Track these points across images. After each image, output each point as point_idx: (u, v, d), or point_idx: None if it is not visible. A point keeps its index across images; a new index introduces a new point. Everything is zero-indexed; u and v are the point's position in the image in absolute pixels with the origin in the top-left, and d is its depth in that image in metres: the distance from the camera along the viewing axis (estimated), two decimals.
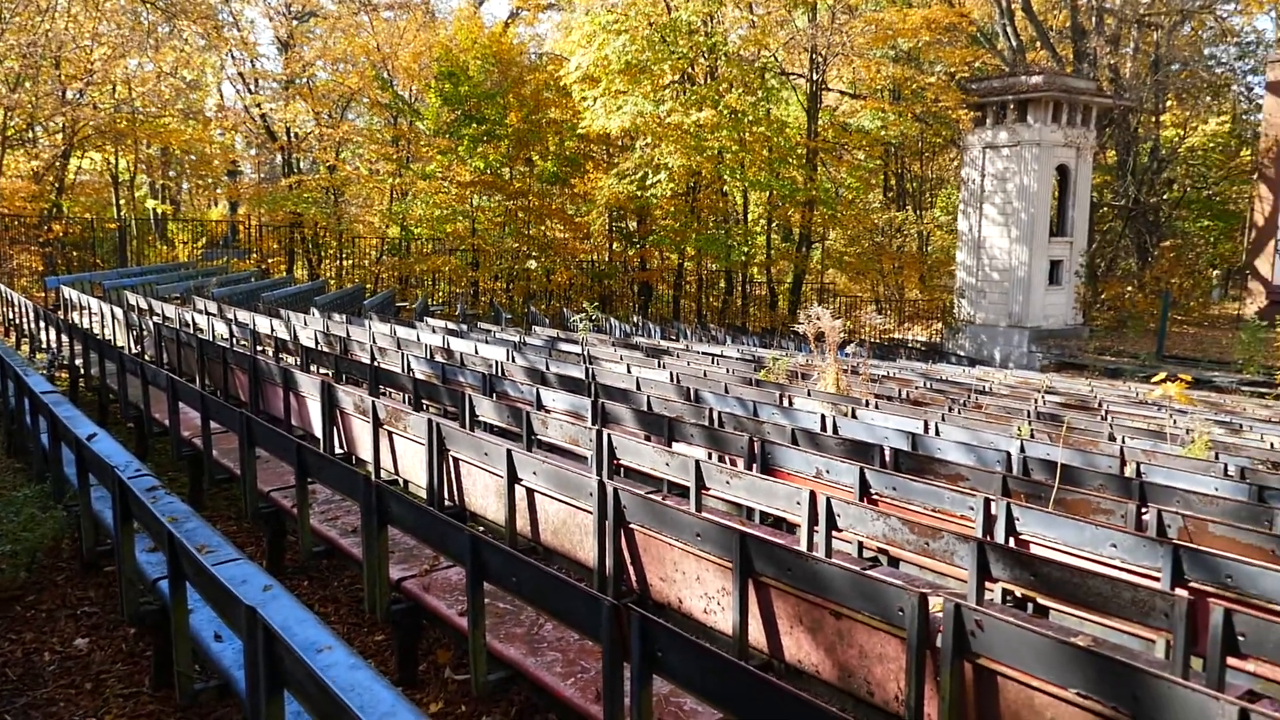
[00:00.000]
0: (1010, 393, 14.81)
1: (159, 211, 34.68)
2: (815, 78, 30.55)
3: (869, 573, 4.20)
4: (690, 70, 29.59)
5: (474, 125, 29.20)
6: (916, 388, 14.04)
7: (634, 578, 4.84)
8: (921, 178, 42.71)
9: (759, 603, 4.14)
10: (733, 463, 7.22)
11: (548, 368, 11.93)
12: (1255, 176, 31.00)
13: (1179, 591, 4.75)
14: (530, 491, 5.51)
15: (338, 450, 7.54)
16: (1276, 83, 29.43)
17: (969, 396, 13.29)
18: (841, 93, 33.05)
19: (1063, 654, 3.04)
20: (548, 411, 8.63)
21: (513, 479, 5.50)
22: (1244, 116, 38.22)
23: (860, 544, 6.00)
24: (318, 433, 7.72)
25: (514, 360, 12.75)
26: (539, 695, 3.89)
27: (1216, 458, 8.89)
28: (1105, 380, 22.15)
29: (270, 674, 2.77)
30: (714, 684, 2.79)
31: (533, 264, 31.03)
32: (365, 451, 7.08)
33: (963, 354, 28.76)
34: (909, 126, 31.97)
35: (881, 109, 30.15)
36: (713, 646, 4.63)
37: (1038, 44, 35.04)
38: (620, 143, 31.53)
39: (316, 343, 12.96)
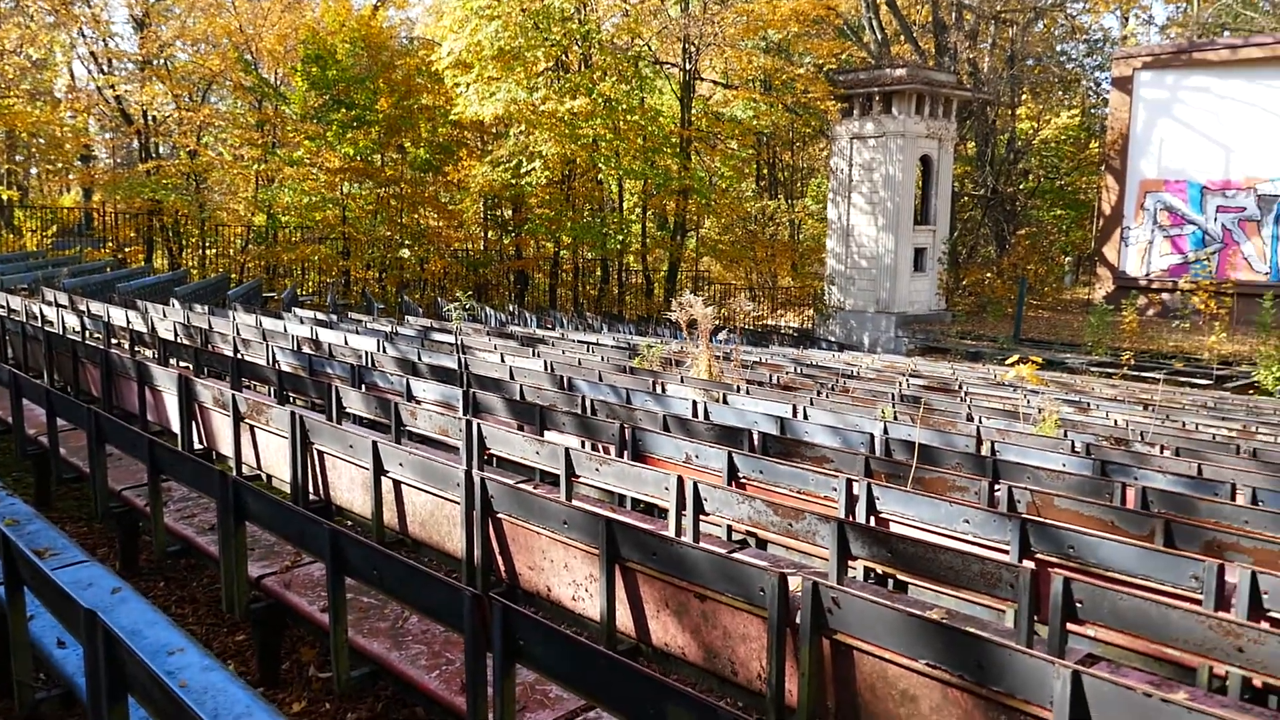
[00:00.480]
0: (877, 376, 15.27)
1: (4, 198, 32.77)
2: (688, 67, 30.81)
3: (733, 555, 4.28)
4: (564, 58, 29.48)
5: (343, 110, 28.47)
6: (787, 373, 14.35)
7: (503, 567, 4.82)
8: (793, 167, 43.58)
9: (626, 588, 4.17)
10: (605, 450, 7.25)
11: (420, 358, 11.75)
12: (1103, 168, 32.62)
13: (1025, 563, 4.98)
14: (397, 484, 5.43)
15: (198, 446, 7.28)
16: (1121, 79, 31.01)
17: (837, 381, 13.65)
18: (714, 82, 33.43)
19: (913, 627, 3.15)
20: (418, 402, 8.50)
21: (379, 471, 5.40)
22: (1093, 110, 40.17)
23: (729, 527, 6.11)
24: (176, 429, 7.43)
25: (385, 351, 12.51)
26: (404, 689, 3.85)
27: (1065, 435, 9.35)
28: (966, 363, 23.05)
29: (112, 680, 2.66)
30: (574, 670, 2.80)
31: (406, 253, 30.47)
32: (227, 447, 6.85)
33: (833, 339, 29.51)
34: (780, 117, 32.57)
35: (753, 99, 30.63)
36: (582, 633, 4.67)
37: (902, 38, 36.12)
38: (494, 130, 31.21)
39: (176, 335, 12.46)
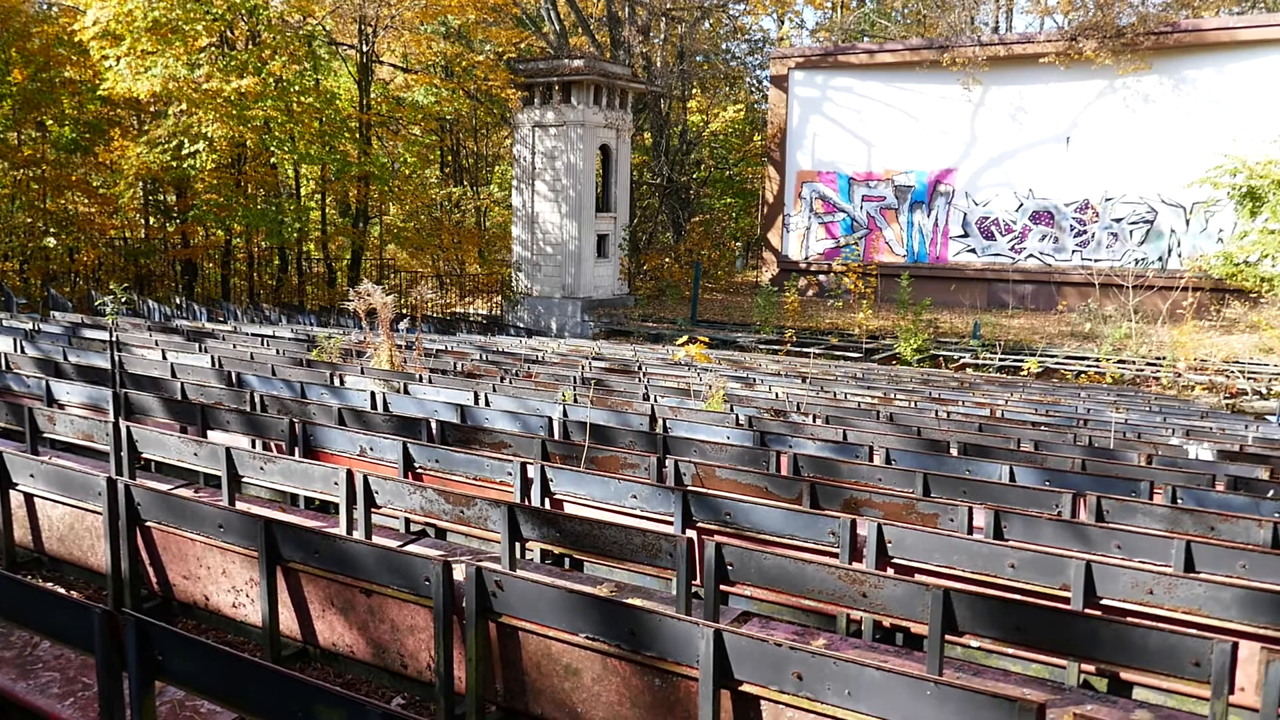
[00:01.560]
0: (561, 361, 15.59)
1: None
2: (365, 49, 29.89)
3: (402, 548, 4.24)
4: (229, 34, 27.66)
5: None
6: (472, 360, 14.33)
7: (155, 580, 4.50)
8: (478, 154, 43.47)
9: (289, 590, 4.01)
10: (276, 448, 6.94)
11: (65, 357, 10.68)
12: (765, 159, 35.03)
13: (689, 532, 5.28)
14: (29, 497, 4.92)
15: None
16: (778, 77, 33.41)
17: (521, 366, 13.80)
18: (394, 66, 32.65)
19: (573, 603, 3.26)
20: (61, 406, 7.73)
21: (5, 485, 4.86)
22: (756, 105, 42.99)
23: (407, 520, 6.03)
24: None
25: (23, 351, 11.27)
26: None
27: (731, 409, 9.98)
28: (648, 345, 24.02)
29: None
30: (220, 682, 2.66)
31: (52, 242, 27.47)
32: None
33: (522, 325, 29.81)
34: (462, 103, 32.33)
35: (434, 84, 30.20)
36: (246, 641, 4.44)
37: (580, 30, 36.92)
38: (153, 109, 28.75)
39: None
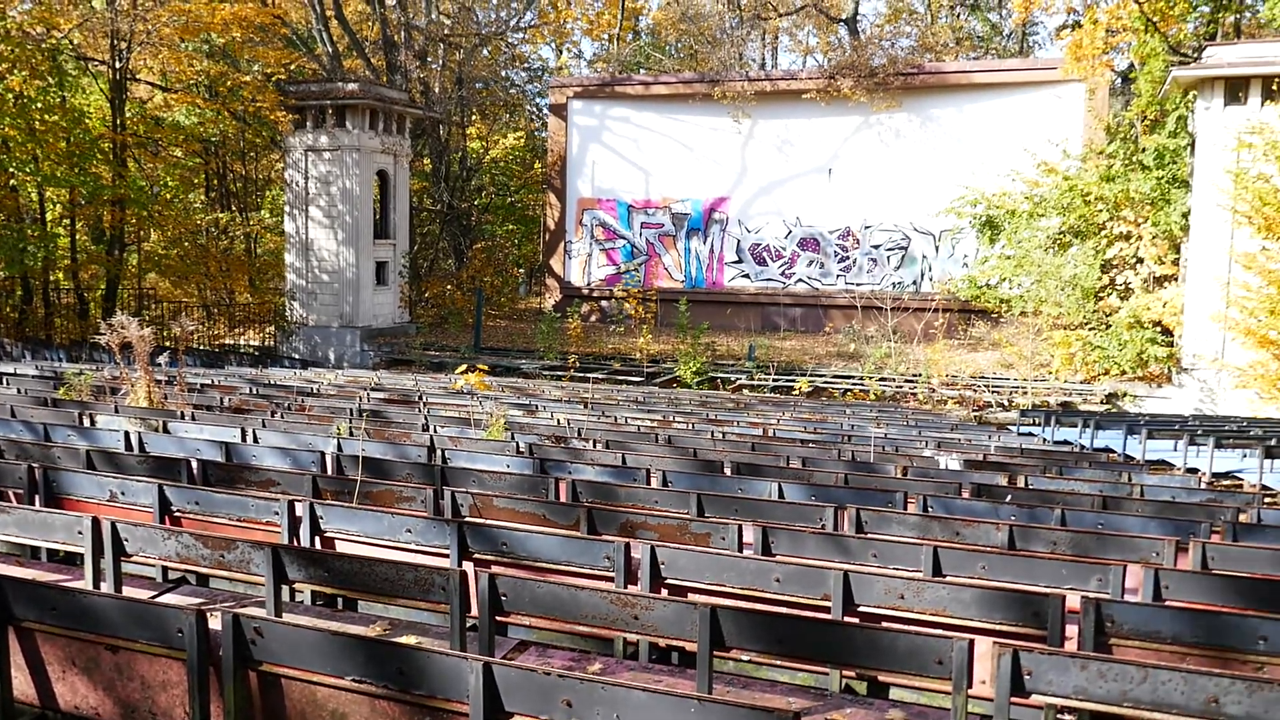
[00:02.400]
0: (338, 392, 15.10)
1: None
2: (119, 65, 28.07)
3: (156, 598, 4.00)
4: None
5: None
6: (241, 394, 13.67)
7: None
8: (247, 178, 41.58)
9: (25, 651, 3.70)
10: (15, 497, 6.38)
11: None
12: (546, 187, 35.30)
13: (466, 565, 5.23)
14: None
15: None
16: (557, 106, 33.82)
17: (294, 399, 13.28)
18: (152, 85, 30.82)
19: (337, 645, 3.16)
20: None
21: None
22: (536, 133, 43.28)
23: (165, 568, 5.68)
24: None
25: None
26: None
27: (512, 437, 9.95)
28: (430, 374, 23.64)
29: None
30: None
31: None
32: None
33: (298, 356, 28.67)
34: (228, 125, 30.90)
35: (197, 104, 28.72)
36: None
37: (354, 53, 36.07)
38: None
39: None
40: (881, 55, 30.99)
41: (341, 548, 5.50)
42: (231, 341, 32.05)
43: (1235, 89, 20.63)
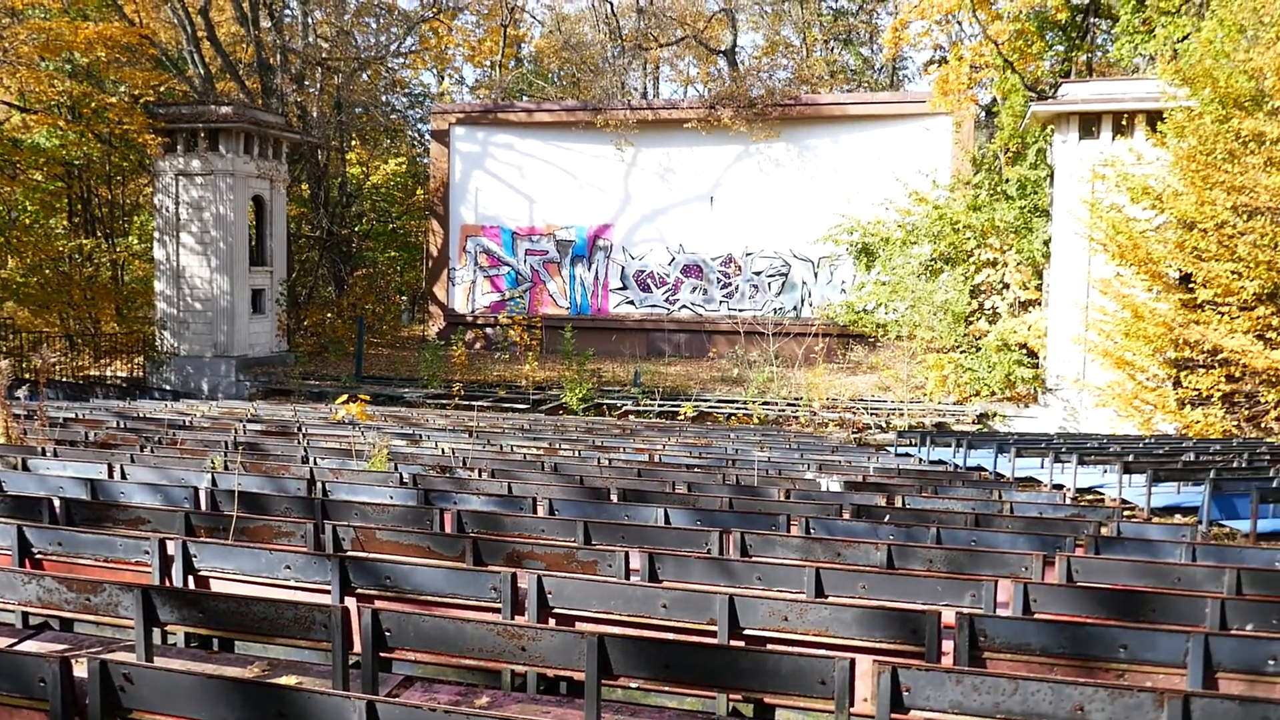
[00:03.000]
0: (212, 424, 14.61)
1: None
2: None
3: (14, 646, 3.81)
4: None
5: None
6: (108, 428, 13.10)
7: None
8: (113, 203, 39.95)
9: None
10: None
11: None
12: (428, 213, 34.94)
13: (349, 600, 5.12)
14: None
15: None
16: (439, 132, 33.58)
17: (166, 433, 12.79)
18: (9, 105, 29.42)
19: (211, 688, 3.06)
20: None
21: None
22: (418, 159, 42.84)
23: (25, 613, 5.40)
24: None
25: None
26: None
27: (395, 468, 9.79)
28: (310, 404, 23.05)
29: None
30: None
31: None
32: None
33: (169, 388, 27.62)
34: (93, 148, 29.71)
35: (58, 126, 27.55)
36: None
37: (228, 75, 35.15)
38: None
39: None
40: (759, 86, 31.77)
41: (217, 587, 5.32)
42: (97, 373, 30.64)
43: (1089, 124, 21.81)
